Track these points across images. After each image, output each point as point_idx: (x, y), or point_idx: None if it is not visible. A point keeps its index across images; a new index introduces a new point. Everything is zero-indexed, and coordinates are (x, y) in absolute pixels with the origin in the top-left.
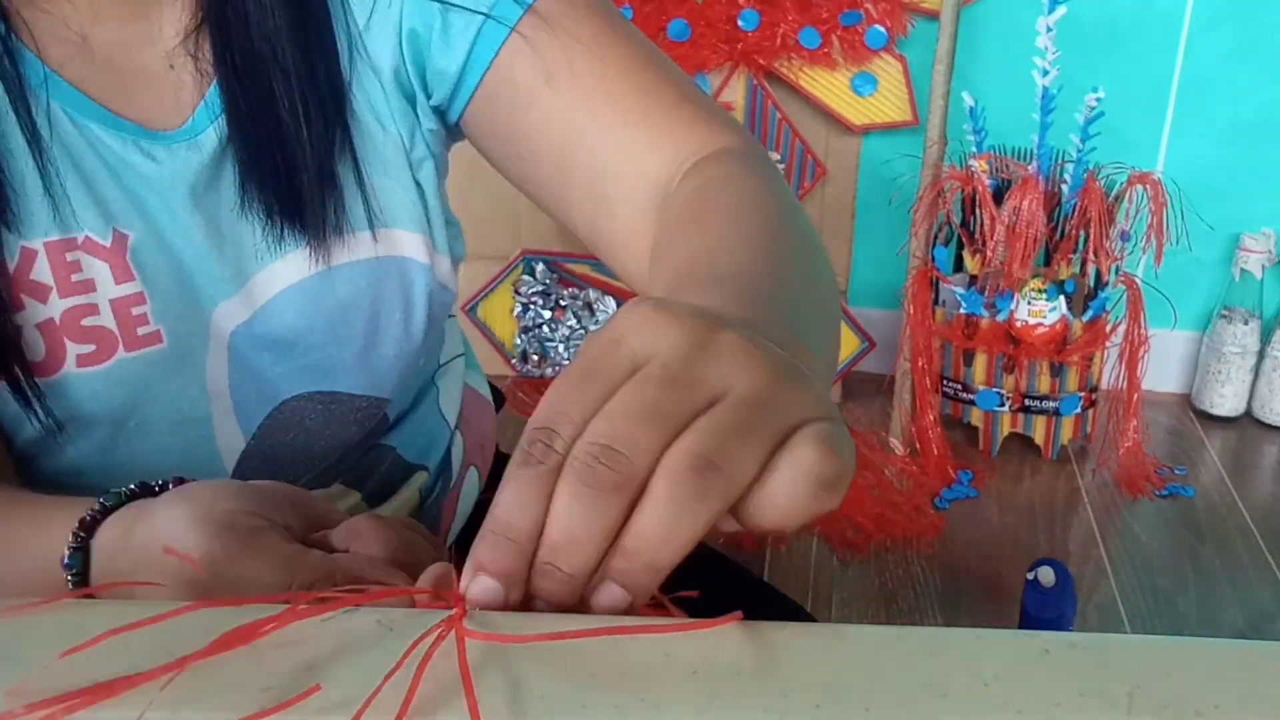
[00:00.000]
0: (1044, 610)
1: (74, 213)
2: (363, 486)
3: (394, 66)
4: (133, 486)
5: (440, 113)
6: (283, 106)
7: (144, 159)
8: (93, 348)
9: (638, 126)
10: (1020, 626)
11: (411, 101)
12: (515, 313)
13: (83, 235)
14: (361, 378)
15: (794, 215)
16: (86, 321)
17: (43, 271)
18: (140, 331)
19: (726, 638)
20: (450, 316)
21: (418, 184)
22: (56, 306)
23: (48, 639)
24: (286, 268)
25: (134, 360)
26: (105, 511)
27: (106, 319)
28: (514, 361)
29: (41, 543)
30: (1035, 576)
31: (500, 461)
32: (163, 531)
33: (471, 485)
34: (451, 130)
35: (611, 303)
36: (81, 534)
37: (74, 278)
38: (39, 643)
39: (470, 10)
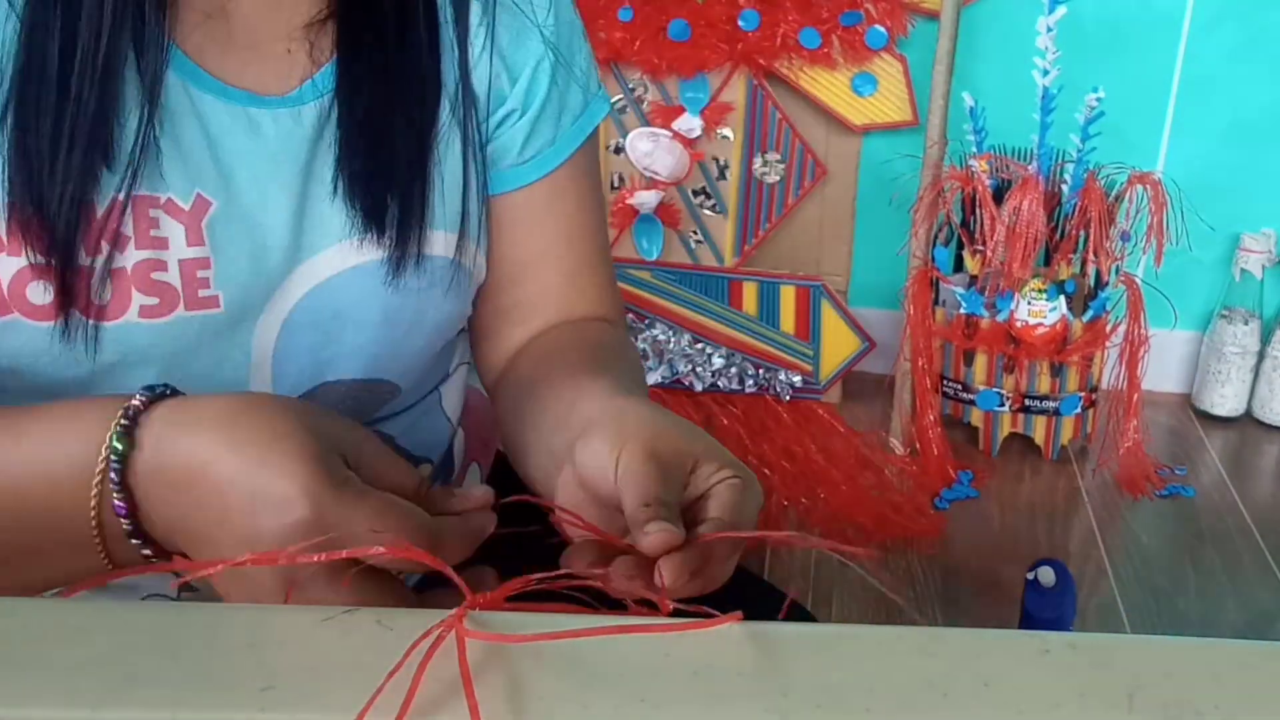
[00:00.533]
0: (1044, 610)
1: (164, 175)
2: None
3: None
4: (165, 389)
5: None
6: (391, 110)
7: (249, 128)
8: (156, 301)
9: (570, 282)
10: (1020, 626)
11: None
12: None
13: (166, 197)
14: (395, 365)
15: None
16: (155, 275)
17: (126, 223)
18: (201, 294)
19: (726, 638)
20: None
21: (480, 196)
22: (132, 257)
23: (48, 638)
24: (362, 248)
25: (190, 319)
26: (149, 403)
27: (173, 276)
28: None
29: (77, 433)
30: (1035, 576)
31: (500, 460)
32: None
33: (472, 480)
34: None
35: None
36: (126, 422)
37: (152, 233)
38: (39, 642)
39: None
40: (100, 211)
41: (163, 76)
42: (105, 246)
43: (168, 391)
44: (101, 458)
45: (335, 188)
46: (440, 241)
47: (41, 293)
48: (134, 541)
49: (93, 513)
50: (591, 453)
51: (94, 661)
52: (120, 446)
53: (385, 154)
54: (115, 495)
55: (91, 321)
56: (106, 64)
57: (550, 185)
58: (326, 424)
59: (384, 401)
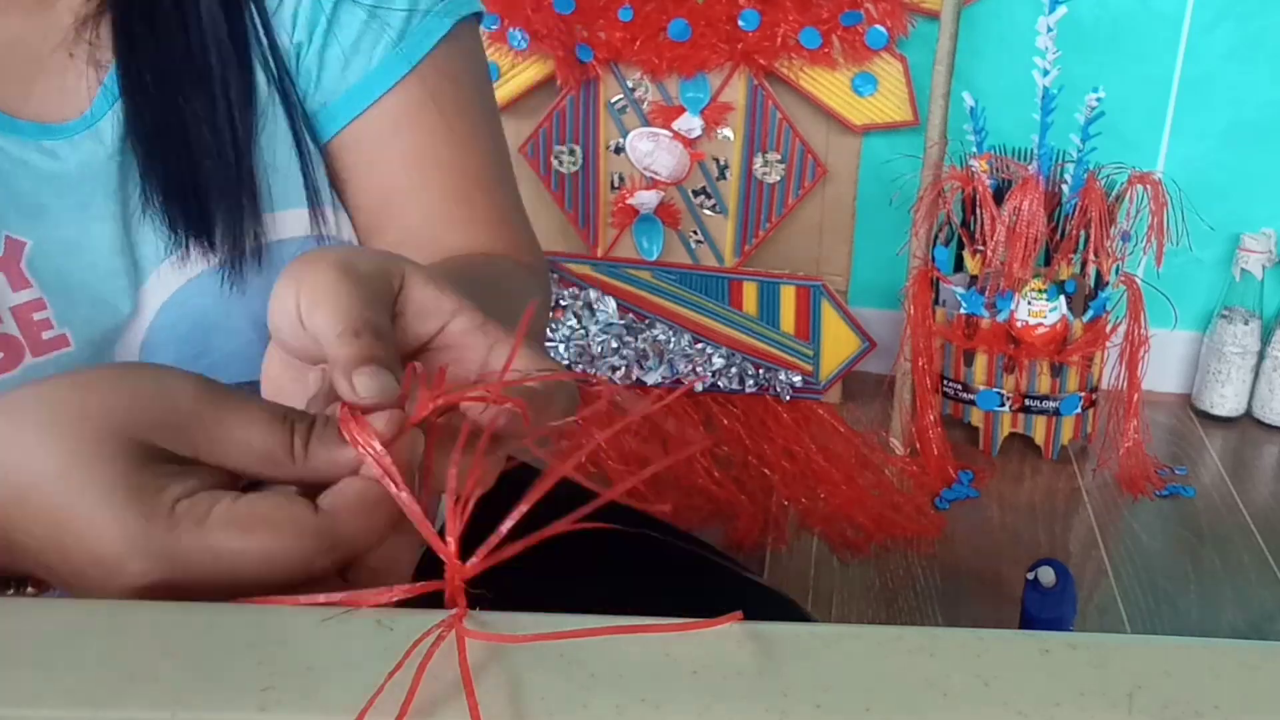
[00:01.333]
0: (1044, 610)
1: None
2: None
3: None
4: None
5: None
6: (191, 111)
7: (46, 158)
8: (1, 355)
9: (450, 219)
10: (1020, 626)
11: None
12: None
13: None
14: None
15: (524, 284)
16: None
17: None
18: (45, 335)
19: (726, 638)
20: None
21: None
22: None
23: (48, 638)
24: (193, 259)
25: (44, 364)
26: None
27: (10, 326)
28: None
29: None
30: (1035, 576)
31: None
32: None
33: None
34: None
35: (611, 303)
36: None
37: None
38: (39, 642)
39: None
40: None
41: None
42: None
43: None
44: None
45: (144, 205)
46: (291, 221)
47: None
48: None
49: None
50: (277, 295)
51: (94, 661)
52: None
53: (192, 153)
54: None
55: None
56: None
57: (384, 115)
58: (133, 428)
59: None
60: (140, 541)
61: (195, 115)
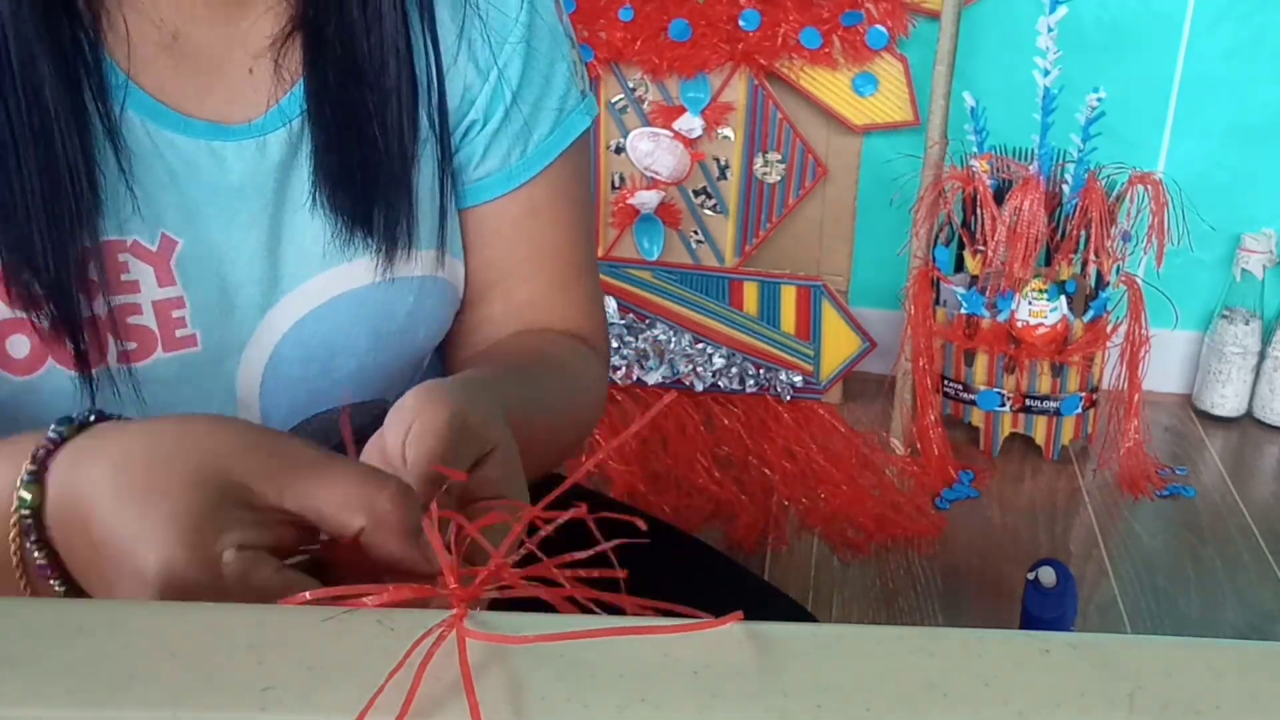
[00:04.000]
0: (1045, 610)
1: (129, 217)
2: None
3: (461, 100)
4: (89, 416)
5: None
6: (367, 117)
7: (213, 163)
8: (134, 345)
9: (551, 297)
10: (1021, 627)
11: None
12: None
13: (132, 239)
14: (384, 385)
15: (574, 373)
16: (131, 320)
17: (95, 269)
18: (178, 334)
19: (726, 638)
20: None
21: (455, 211)
22: (103, 304)
23: (48, 638)
24: (348, 273)
25: (170, 360)
26: (59, 442)
27: (149, 319)
28: None
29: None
30: (1036, 576)
31: None
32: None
33: None
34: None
35: (612, 302)
36: (33, 467)
37: (122, 277)
38: (39, 642)
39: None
40: (71, 261)
41: (121, 119)
42: (79, 295)
43: (90, 419)
44: (14, 506)
45: (313, 215)
46: (422, 259)
47: (20, 347)
48: (53, 583)
49: (14, 554)
50: (394, 417)
51: (94, 661)
52: (27, 496)
53: (365, 174)
54: (28, 540)
55: (70, 372)
56: (67, 113)
57: (520, 201)
58: (231, 462)
59: (376, 419)
60: (177, 574)
61: (374, 133)
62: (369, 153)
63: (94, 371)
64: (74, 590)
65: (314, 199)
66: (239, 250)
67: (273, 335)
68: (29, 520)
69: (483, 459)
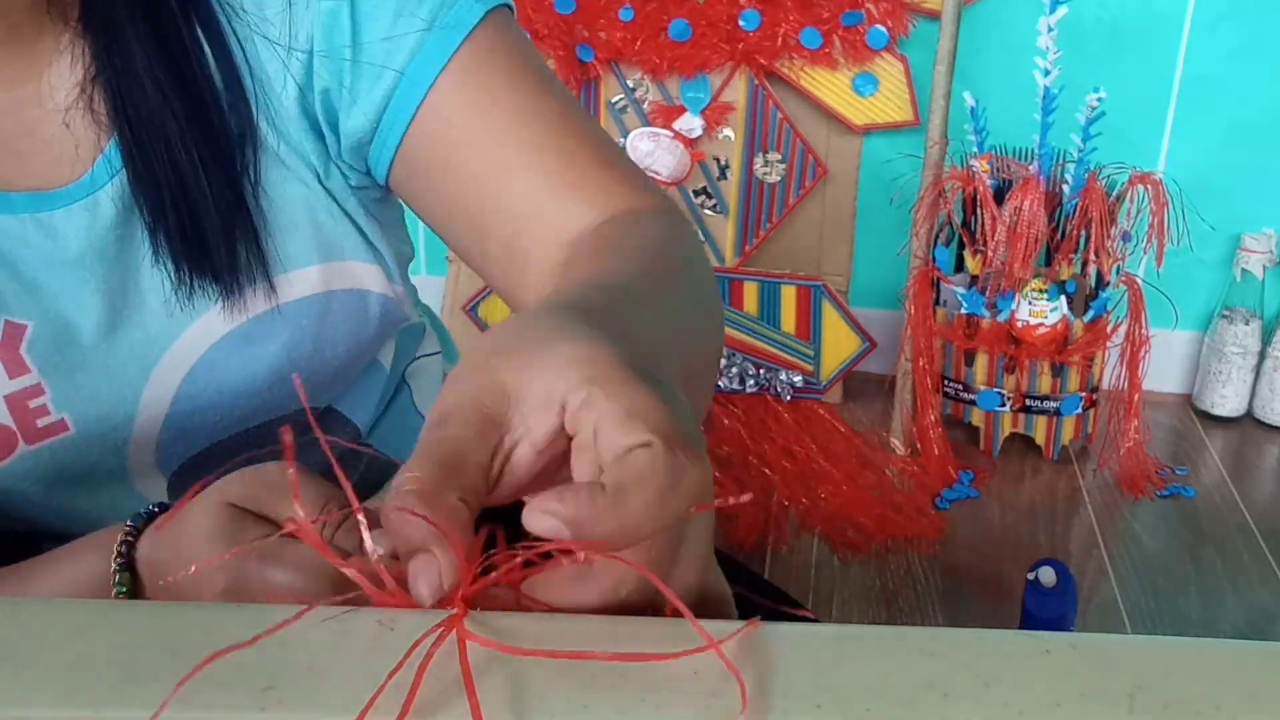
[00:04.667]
0: (1045, 610)
1: None
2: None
3: (298, 100)
4: (154, 507)
5: (359, 169)
6: (180, 155)
7: (43, 236)
8: None
9: (553, 187)
10: (1021, 626)
11: (320, 136)
12: None
13: None
14: (310, 396)
15: (691, 264)
16: None
17: None
18: (40, 423)
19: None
20: (414, 322)
21: (348, 214)
22: None
23: (48, 638)
24: (221, 316)
25: (39, 450)
26: (138, 530)
27: (3, 415)
28: None
29: (78, 571)
30: (1036, 576)
31: None
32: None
33: None
34: (377, 183)
35: None
36: (122, 550)
37: None
38: (39, 642)
39: (380, 67)
40: None
41: None
42: None
43: (156, 510)
44: (113, 593)
45: (156, 260)
46: (301, 281)
47: None
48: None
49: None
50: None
51: (94, 661)
52: (124, 585)
53: (191, 211)
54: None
55: None
56: None
57: (435, 114)
58: (247, 480)
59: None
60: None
61: (194, 163)
62: (191, 194)
63: None
64: None
65: (155, 256)
66: (98, 317)
67: (163, 396)
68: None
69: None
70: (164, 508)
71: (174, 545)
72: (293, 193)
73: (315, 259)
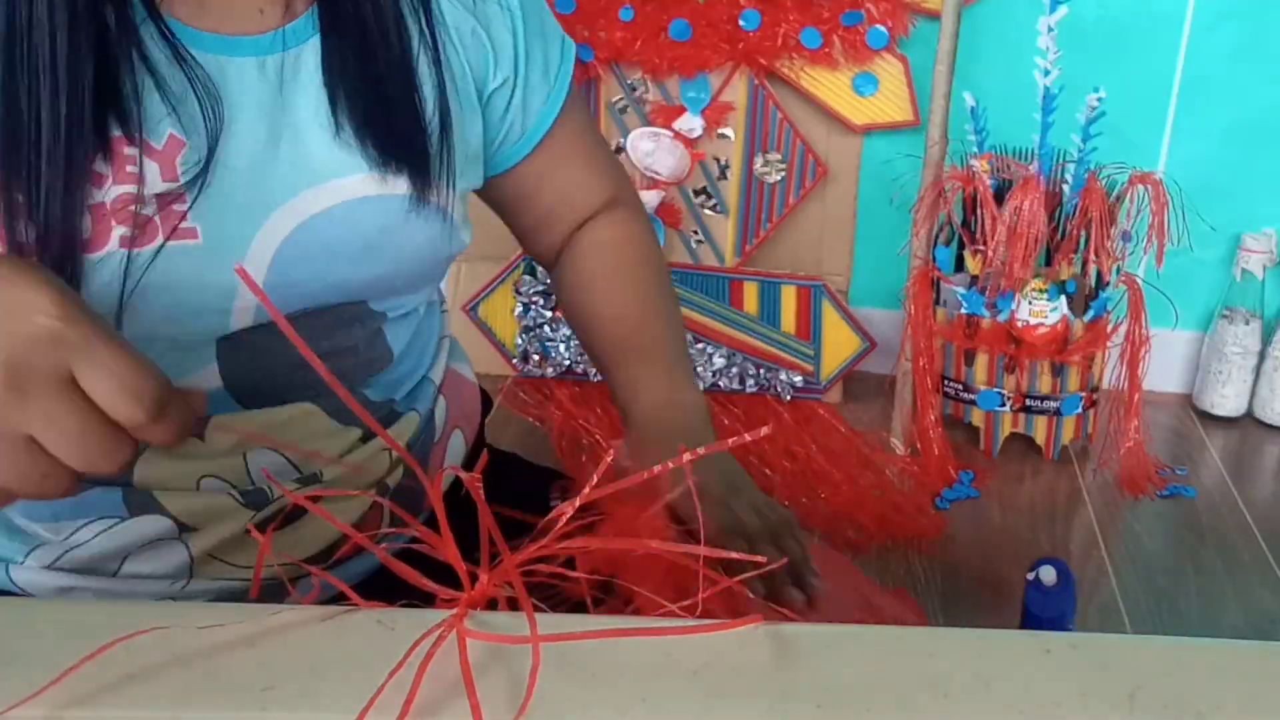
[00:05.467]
0: (1046, 609)
1: (141, 117)
2: (360, 425)
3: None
4: None
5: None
6: (376, 33)
7: (219, 72)
8: (137, 232)
9: (589, 184)
10: (1022, 626)
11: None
12: (516, 313)
13: (140, 136)
14: (369, 295)
15: (656, 259)
16: (134, 209)
17: (101, 162)
18: (181, 225)
19: (727, 638)
20: (444, 310)
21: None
22: (111, 192)
23: (49, 639)
24: (347, 185)
25: (172, 250)
26: None
27: (151, 209)
28: (515, 362)
29: None
30: (1037, 576)
31: (493, 453)
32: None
33: (456, 444)
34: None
35: None
36: None
37: (128, 169)
38: (39, 642)
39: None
40: (81, 153)
41: (136, 26)
42: (85, 186)
43: None
44: None
45: (316, 128)
46: (420, 182)
47: (21, 231)
48: None
49: None
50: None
51: (94, 661)
52: None
53: (375, 86)
54: None
55: (86, 255)
56: (86, 17)
57: (553, 138)
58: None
59: (354, 318)
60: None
61: (380, 58)
62: (377, 90)
63: (94, 254)
64: None
65: (320, 113)
66: (247, 152)
67: (274, 238)
68: None
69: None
70: None
71: None
72: (430, 101)
73: (437, 170)
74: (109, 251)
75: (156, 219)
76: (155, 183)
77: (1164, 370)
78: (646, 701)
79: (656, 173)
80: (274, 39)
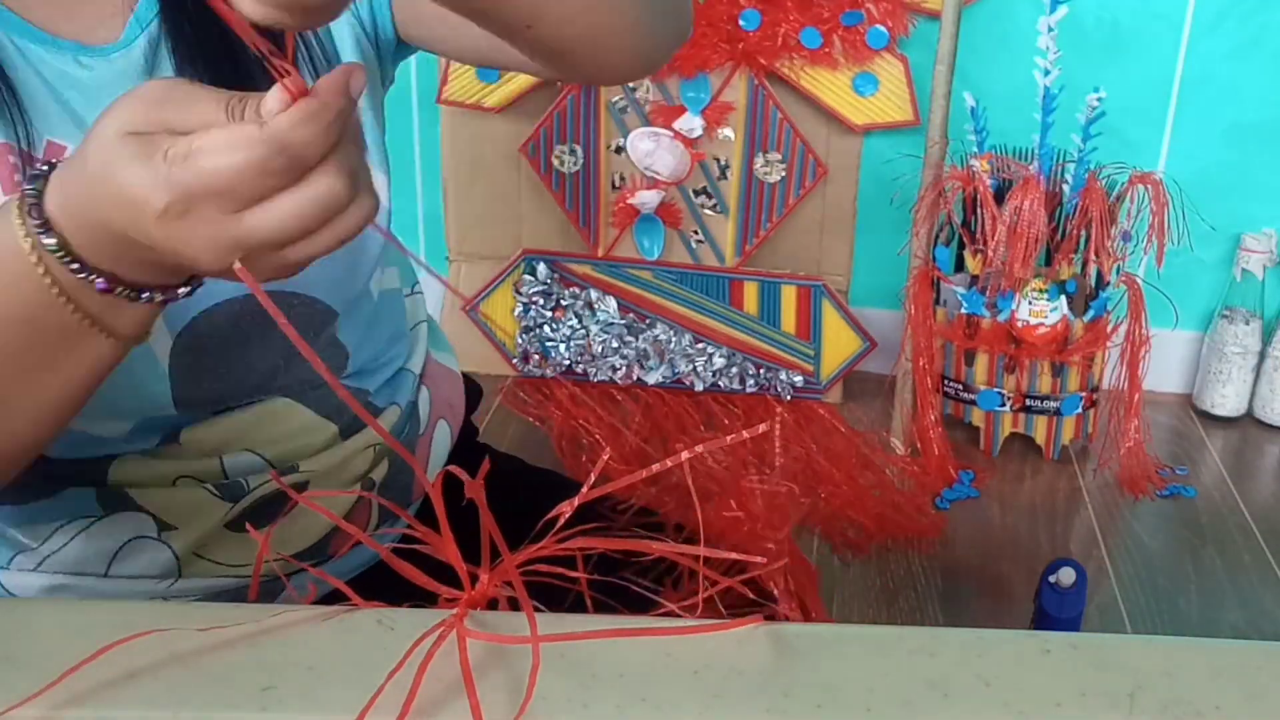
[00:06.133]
0: (1062, 610)
1: (13, 123)
2: (337, 421)
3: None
4: (42, 168)
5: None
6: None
7: (81, 70)
8: None
9: None
10: (1036, 627)
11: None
12: (516, 313)
13: (11, 144)
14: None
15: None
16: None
17: None
18: None
19: (727, 638)
20: (417, 293)
21: (375, 108)
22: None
23: (49, 639)
24: None
25: None
26: (39, 191)
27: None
28: (515, 361)
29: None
30: (1057, 579)
31: (468, 427)
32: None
33: (443, 436)
34: (393, 41)
35: (612, 302)
36: (32, 212)
37: (15, 178)
38: (39, 642)
39: None
40: None
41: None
42: None
43: (45, 169)
44: (29, 245)
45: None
46: None
47: None
48: (81, 275)
49: (43, 277)
50: None
51: (96, 662)
52: (54, 242)
53: (229, 59)
54: (58, 259)
55: None
56: None
57: None
58: (137, 105)
59: (299, 310)
60: (150, 178)
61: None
62: (230, 58)
63: None
64: (103, 276)
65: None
66: None
67: None
68: (48, 249)
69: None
70: (52, 167)
71: (88, 188)
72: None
73: None
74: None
75: None
76: None
77: (1164, 370)
78: (646, 701)
79: (656, 173)
80: (128, 31)
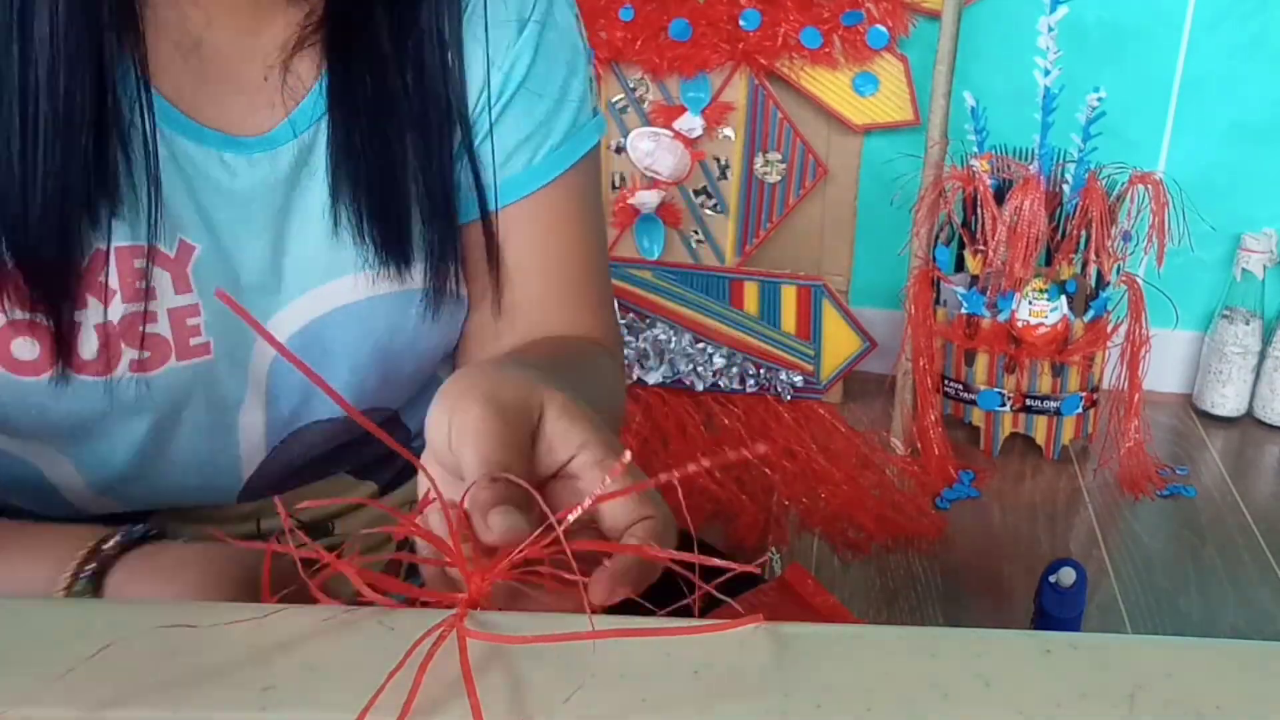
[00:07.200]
0: (1063, 610)
1: (147, 222)
2: (379, 476)
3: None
4: (146, 528)
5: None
6: (391, 132)
7: (223, 171)
8: (147, 355)
9: (570, 289)
10: (1037, 627)
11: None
12: None
13: (148, 245)
14: (384, 394)
15: (603, 387)
16: (145, 328)
17: (111, 275)
18: (192, 342)
19: (727, 638)
20: None
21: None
22: (117, 310)
23: (49, 639)
24: (351, 283)
25: (183, 369)
26: (121, 548)
27: (163, 327)
28: None
29: (35, 570)
30: (1058, 579)
31: None
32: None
33: None
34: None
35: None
36: (94, 565)
37: (138, 284)
38: (39, 642)
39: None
40: (84, 265)
41: (152, 127)
42: (91, 300)
43: (149, 534)
44: (65, 588)
45: (321, 225)
46: (429, 272)
47: (27, 349)
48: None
49: (58, 591)
50: (431, 420)
51: (94, 661)
52: (86, 589)
53: (389, 183)
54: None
55: (83, 377)
56: (91, 116)
57: (530, 208)
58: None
59: (378, 424)
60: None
61: (400, 139)
62: (392, 176)
63: (99, 379)
64: None
65: (324, 210)
66: (248, 256)
67: (284, 338)
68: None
69: (538, 426)
70: (145, 536)
71: (158, 592)
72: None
73: (447, 256)
74: (117, 377)
75: (169, 337)
76: (168, 296)
77: (1164, 370)
78: (646, 701)
79: (656, 173)
80: (279, 131)
